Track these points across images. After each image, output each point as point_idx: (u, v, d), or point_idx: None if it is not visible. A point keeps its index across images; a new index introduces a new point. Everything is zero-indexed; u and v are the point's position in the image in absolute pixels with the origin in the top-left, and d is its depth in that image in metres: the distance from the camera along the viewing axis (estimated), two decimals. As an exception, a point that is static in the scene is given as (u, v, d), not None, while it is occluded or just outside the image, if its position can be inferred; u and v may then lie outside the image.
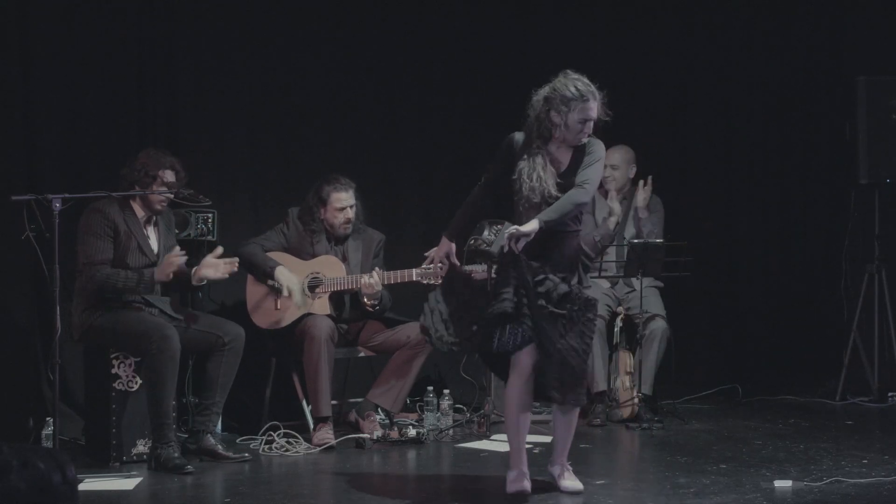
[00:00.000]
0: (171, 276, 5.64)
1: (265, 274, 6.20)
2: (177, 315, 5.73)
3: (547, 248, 4.82)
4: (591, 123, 4.87)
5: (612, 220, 6.77)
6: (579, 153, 4.92)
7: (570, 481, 4.92)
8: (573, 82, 4.87)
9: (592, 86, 4.88)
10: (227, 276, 5.74)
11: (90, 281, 5.56)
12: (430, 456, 5.86)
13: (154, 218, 5.76)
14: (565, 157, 4.91)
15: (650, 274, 6.57)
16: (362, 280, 6.17)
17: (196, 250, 6.16)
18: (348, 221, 6.32)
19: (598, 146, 4.94)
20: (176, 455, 5.42)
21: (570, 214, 4.83)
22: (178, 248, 5.71)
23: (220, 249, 5.76)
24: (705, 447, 5.82)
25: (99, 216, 5.59)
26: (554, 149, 4.89)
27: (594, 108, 4.85)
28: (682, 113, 8.11)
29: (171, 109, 6.76)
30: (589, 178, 4.86)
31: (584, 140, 4.90)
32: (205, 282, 5.77)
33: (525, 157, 4.86)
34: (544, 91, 4.90)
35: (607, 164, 6.88)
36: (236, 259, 5.80)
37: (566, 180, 4.85)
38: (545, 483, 4.96)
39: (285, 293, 6.15)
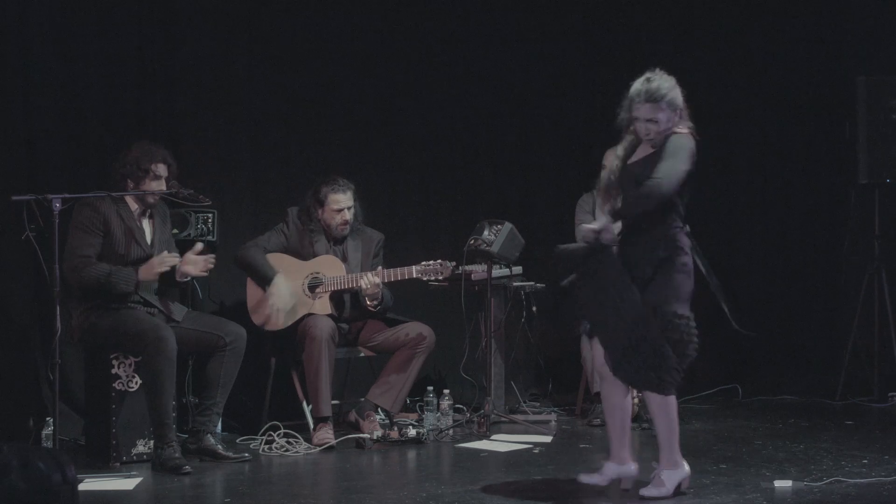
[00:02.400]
0: (157, 275, 5.65)
1: (264, 281, 6.20)
2: (175, 318, 5.73)
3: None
4: (650, 124, 4.95)
5: (619, 225, 6.75)
6: (657, 150, 5.02)
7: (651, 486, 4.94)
8: (637, 82, 5.03)
9: (652, 88, 5.00)
10: (205, 273, 5.74)
11: (72, 272, 5.55)
12: (430, 456, 5.86)
13: (148, 210, 5.76)
14: (644, 151, 5.03)
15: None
16: (362, 280, 6.17)
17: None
18: (345, 223, 6.31)
19: (676, 139, 5.01)
20: (176, 455, 5.42)
21: (641, 207, 4.92)
22: (175, 253, 5.72)
23: (199, 246, 5.77)
24: (705, 447, 5.83)
25: (89, 211, 5.60)
26: (640, 143, 5.03)
27: (640, 110, 4.95)
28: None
29: (171, 109, 6.76)
30: (660, 171, 4.90)
31: (653, 138, 4.97)
32: (188, 278, 5.77)
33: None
34: None
35: (606, 164, 6.88)
36: (212, 256, 5.79)
37: (635, 170, 4.96)
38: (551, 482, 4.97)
39: (268, 310, 6.15)
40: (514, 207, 7.49)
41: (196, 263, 5.70)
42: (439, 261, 6.21)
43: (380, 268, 6.23)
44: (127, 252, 5.64)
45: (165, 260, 5.63)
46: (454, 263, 6.30)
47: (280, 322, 6.20)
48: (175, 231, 6.06)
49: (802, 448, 5.73)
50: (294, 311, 6.20)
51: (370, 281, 6.15)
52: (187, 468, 5.37)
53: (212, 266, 5.75)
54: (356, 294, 6.29)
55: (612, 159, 5.05)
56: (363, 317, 6.39)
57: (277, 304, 6.16)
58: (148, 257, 5.68)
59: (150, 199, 5.71)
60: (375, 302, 6.25)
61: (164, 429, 5.46)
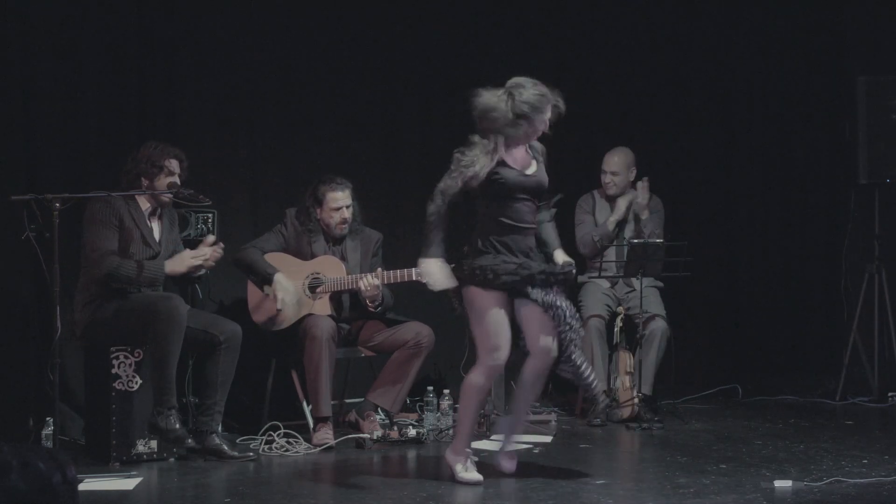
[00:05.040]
0: (181, 273, 5.66)
1: (264, 280, 6.20)
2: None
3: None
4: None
5: (612, 221, 6.78)
6: (534, 155, 5.18)
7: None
8: (532, 86, 5.11)
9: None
10: (212, 263, 5.76)
11: (98, 270, 5.56)
12: (430, 456, 5.86)
13: (158, 211, 5.78)
14: (527, 158, 5.15)
15: (650, 274, 6.57)
16: (361, 282, 6.17)
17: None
18: (344, 221, 6.32)
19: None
20: (178, 426, 5.43)
21: None
22: (211, 238, 5.81)
23: (211, 238, 5.80)
24: (705, 447, 5.82)
25: (104, 205, 5.61)
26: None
27: (548, 114, 5.06)
28: (682, 113, 8.11)
29: (171, 109, 6.76)
30: None
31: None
32: (202, 271, 5.78)
33: (482, 153, 5.04)
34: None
35: (607, 170, 6.89)
36: (220, 245, 5.81)
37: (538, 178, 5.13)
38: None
39: (278, 305, 6.15)
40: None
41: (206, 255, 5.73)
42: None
43: (379, 269, 6.22)
44: (135, 249, 5.65)
45: (187, 259, 5.64)
46: (454, 266, 6.27)
47: (288, 318, 6.19)
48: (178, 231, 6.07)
49: (802, 448, 5.73)
50: (295, 310, 6.20)
51: (369, 283, 6.15)
52: (190, 441, 5.39)
53: (219, 255, 5.76)
54: (356, 294, 6.29)
55: (483, 161, 5.02)
56: (363, 317, 6.39)
57: (285, 300, 6.15)
58: (156, 256, 5.69)
59: (165, 199, 5.73)
60: (376, 303, 6.25)
61: (165, 393, 5.44)
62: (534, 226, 5.11)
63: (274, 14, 7.07)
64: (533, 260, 5.03)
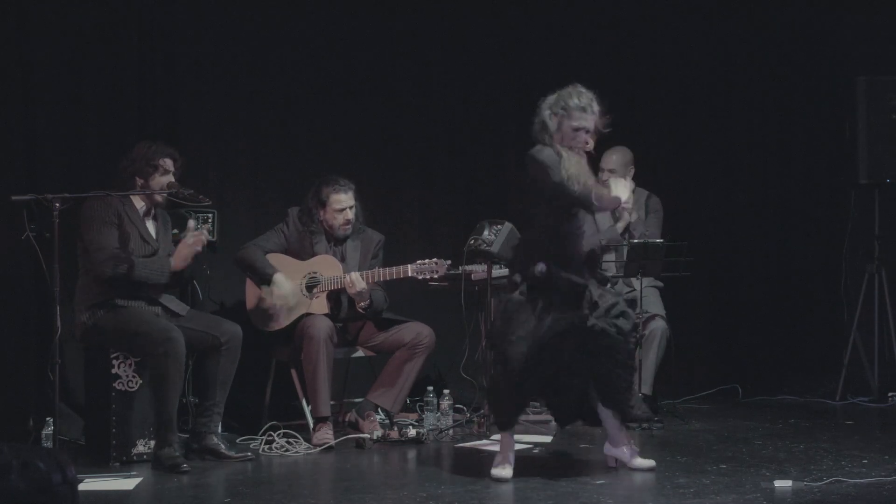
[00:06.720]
0: (189, 259, 5.66)
1: (263, 279, 6.19)
2: (180, 312, 5.73)
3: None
4: (586, 134, 5.11)
5: (621, 225, 6.78)
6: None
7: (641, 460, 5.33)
8: (577, 93, 5.11)
9: (594, 100, 5.13)
10: (199, 248, 5.74)
11: (102, 268, 5.55)
12: (430, 456, 5.86)
13: (153, 211, 5.78)
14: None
15: (650, 274, 6.56)
16: (345, 279, 6.16)
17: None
18: (347, 223, 6.31)
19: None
20: (176, 454, 5.43)
21: None
22: (202, 230, 5.80)
23: (191, 223, 5.80)
24: (705, 447, 5.82)
25: (103, 204, 5.61)
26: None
27: (590, 120, 5.10)
28: (681, 113, 8.11)
29: (171, 109, 6.77)
30: None
31: (585, 148, 5.15)
32: (187, 262, 5.78)
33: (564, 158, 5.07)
34: (550, 98, 5.14)
35: (605, 168, 6.90)
36: (203, 231, 5.83)
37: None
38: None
39: (276, 301, 6.15)
40: (514, 207, 7.50)
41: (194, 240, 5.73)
42: (434, 259, 6.19)
43: (375, 270, 6.21)
44: (132, 245, 5.64)
45: (197, 240, 5.65)
46: (449, 262, 6.28)
47: (283, 320, 6.19)
48: (175, 231, 6.06)
49: (802, 448, 5.73)
50: (293, 310, 6.20)
51: (350, 280, 6.13)
52: (185, 467, 5.38)
53: (205, 239, 5.76)
54: (354, 294, 6.29)
55: (578, 169, 5.08)
56: (361, 317, 6.38)
57: (281, 301, 6.15)
58: (154, 252, 5.69)
59: (158, 198, 5.74)
60: (364, 304, 6.22)
61: (166, 431, 5.45)
62: None
63: (274, 14, 7.07)
64: None
